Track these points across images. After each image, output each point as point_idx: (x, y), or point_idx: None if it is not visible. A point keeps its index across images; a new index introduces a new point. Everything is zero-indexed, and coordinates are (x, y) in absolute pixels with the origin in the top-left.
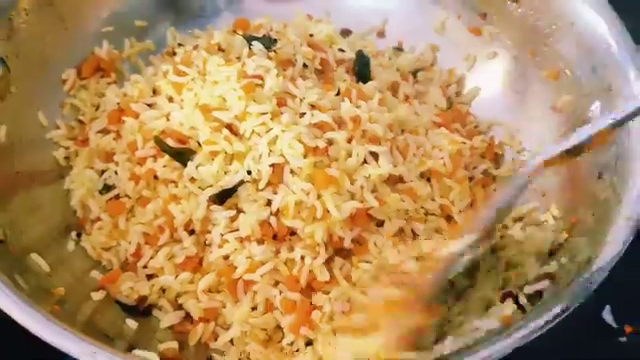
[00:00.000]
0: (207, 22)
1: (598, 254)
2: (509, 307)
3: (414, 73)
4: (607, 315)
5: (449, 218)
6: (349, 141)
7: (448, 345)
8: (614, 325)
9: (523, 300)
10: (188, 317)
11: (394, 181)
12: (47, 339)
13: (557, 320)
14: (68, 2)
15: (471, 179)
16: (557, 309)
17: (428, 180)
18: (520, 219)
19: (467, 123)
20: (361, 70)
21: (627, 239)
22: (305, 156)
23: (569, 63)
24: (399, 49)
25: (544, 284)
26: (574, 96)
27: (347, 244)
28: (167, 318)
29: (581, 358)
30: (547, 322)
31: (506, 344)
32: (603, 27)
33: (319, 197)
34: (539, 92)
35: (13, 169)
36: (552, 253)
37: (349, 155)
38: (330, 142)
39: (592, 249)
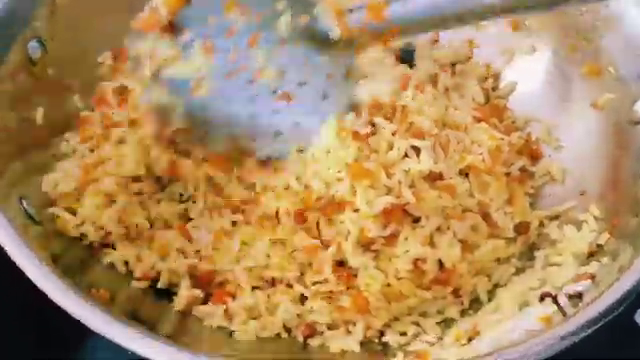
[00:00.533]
0: None
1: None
2: (549, 307)
3: (452, 65)
4: (639, 318)
5: (486, 215)
6: (393, 133)
7: (485, 346)
8: None
9: (563, 300)
10: None
11: (433, 178)
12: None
13: (601, 321)
14: None
15: (507, 175)
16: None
17: (466, 176)
18: (557, 217)
19: (504, 118)
20: (406, 57)
21: None
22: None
23: (612, 60)
24: (435, 41)
25: (585, 284)
26: (617, 94)
27: (376, 239)
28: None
29: None
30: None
31: (547, 344)
32: None
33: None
34: (579, 89)
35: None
36: (592, 254)
37: (390, 147)
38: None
39: (634, 253)
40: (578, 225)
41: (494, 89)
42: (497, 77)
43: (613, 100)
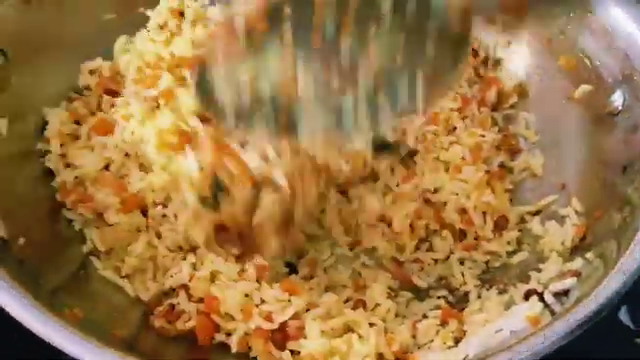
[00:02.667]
0: None
1: (627, 253)
2: (535, 306)
3: None
4: (624, 316)
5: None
6: None
7: (473, 347)
8: (631, 326)
9: (549, 298)
10: None
11: None
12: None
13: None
14: None
15: (487, 172)
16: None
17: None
18: (539, 212)
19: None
20: None
21: None
22: None
23: (588, 52)
24: None
25: (570, 282)
26: (593, 86)
27: None
28: None
29: (597, 358)
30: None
31: (540, 346)
32: (624, 15)
33: None
34: (555, 82)
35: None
36: (575, 249)
37: None
38: None
39: (619, 247)
40: (560, 220)
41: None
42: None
43: (590, 92)
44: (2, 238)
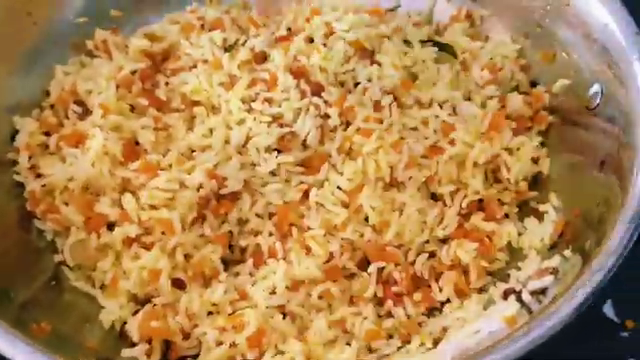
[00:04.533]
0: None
1: (602, 249)
2: (512, 306)
3: None
4: (608, 310)
5: None
6: None
7: (450, 349)
8: (616, 320)
9: (527, 297)
10: None
11: None
12: None
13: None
14: None
15: None
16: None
17: None
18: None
19: None
20: None
21: (635, 231)
22: None
23: (565, 45)
24: None
25: (548, 280)
26: (572, 80)
27: None
28: None
29: (583, 353)
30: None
31: (516, 348)
32: (601, 7)
33: None
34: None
35: None
36: (554, 246)
37: None
38: None
39: (597, 243)
40: (539, 216)
41: None
42: None
43: (568, 86)
44: None
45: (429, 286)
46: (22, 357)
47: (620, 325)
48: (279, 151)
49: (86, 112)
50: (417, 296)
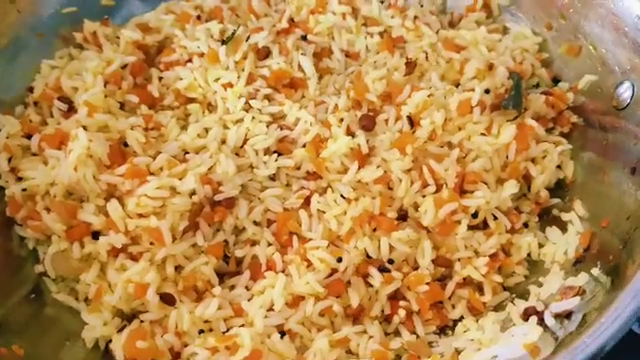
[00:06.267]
0: None
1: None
2: (534, 330)
3: None
4: (636, 326)
5: None
6: None
7: None
8: None
9: (550, 321)
10: None
11: None
12: None
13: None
14: None
15: None
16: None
17: None
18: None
19: None
20: None
21: None
22: None
23: (592, 38)
24: None
25: (574, 302)
26: (599, 76)
27: None
28: None
29: None
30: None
31: None
32: None
33: None
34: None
35: None
36: (579, 260)
37: None
38: None
39: (630, 262)
40: (562, 226)
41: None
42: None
43: (595, 83)
44: None
45: (441, 302)
46: None
47: None
48: (279, 153)
49: (71, 110)
50: (428, 314)
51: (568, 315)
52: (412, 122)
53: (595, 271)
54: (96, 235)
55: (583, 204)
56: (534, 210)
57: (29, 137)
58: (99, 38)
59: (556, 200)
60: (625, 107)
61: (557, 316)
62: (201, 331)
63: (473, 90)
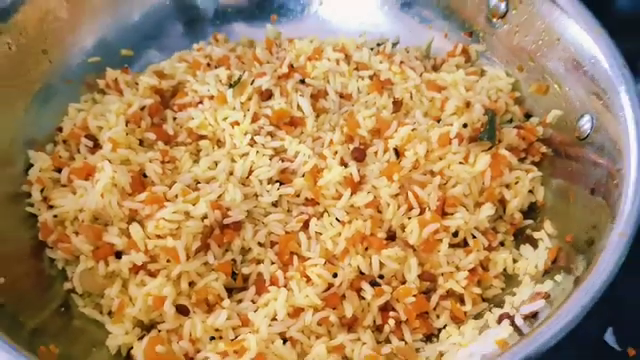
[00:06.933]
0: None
1: (593, 270)
2: (505, 329)
3: None
4: (609, 337)
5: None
6: None
7: None
8: (617, 348)
9: (519, 321)
10: None
11: None
12: None
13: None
14: (51, 34)
15: None
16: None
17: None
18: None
19: None
20: None
21: (622, 254)
22: None
23: (557, 78)
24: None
25: (540, 304)
26: (564, 111)
27: None
28: None
29: None
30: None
31: None
32: (590, 41)
33: None
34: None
35: None
36: (547, 271)
37: None
38: None
39: (587, 265)
40: (534, 244)
41: None
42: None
43: (561, 117)
44: None
45: (426, 312)
46: None
47: (621, 353)
48: (281, 183)
49: (97, 146)
50: (415, 323)
51: (534, 315)
52: (398, 153)
53: (559, 278)
54: (119, 255)
55: (552, 223)
56: (509, 230)
57: (59, 171)
58: (120, 84)
59: (529, 221)
60: (586, 137)
61: (526, 317)
62: (212, 338)
63: (452, 125)
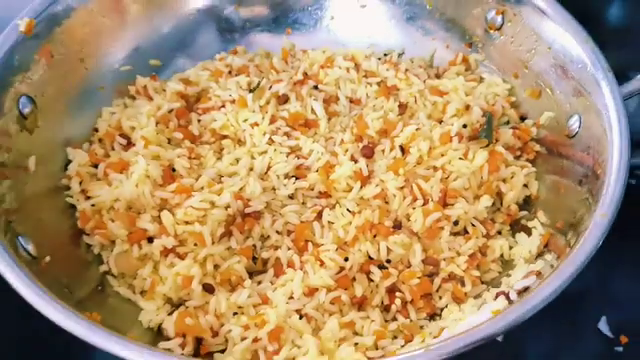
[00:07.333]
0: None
1: (577, 246)
2: (501, 303)
3: None
4: (603, 326)
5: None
6: None
7: (443, 336)
8: (610, 335)
9: (513, 296)
10: None
11: None
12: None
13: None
14: (87, 45)
15: None
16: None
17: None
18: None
19: None
20: None
21: (604, 232)
22: None
23: (549, 83)
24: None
25: (531, 280)
26: (555, 112)
27: None
28: None
29: None
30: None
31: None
32: (577, 48)
33: None
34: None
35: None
36: (540, 255)
37: None
38: None
39: (573, 244)
40: (528, 232)
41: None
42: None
43: (552, 118)
44: (32, 255)
45: (430, 294)
46: (86, 330)
47: (615, 340)
48: (296, 177)
49: (129, 144)
50: (420, 303)
51: (526, 289)
52: (403, 150)
53: (548, 257)
54: (151, 239)
55: (545, 213)
56: (506, 221)
57: (95, 166)
58: (149, 90)
59: (524, 212)
60: (574, 135)
61: (519, 292)
62: (234, 314)
63: (453, 125)
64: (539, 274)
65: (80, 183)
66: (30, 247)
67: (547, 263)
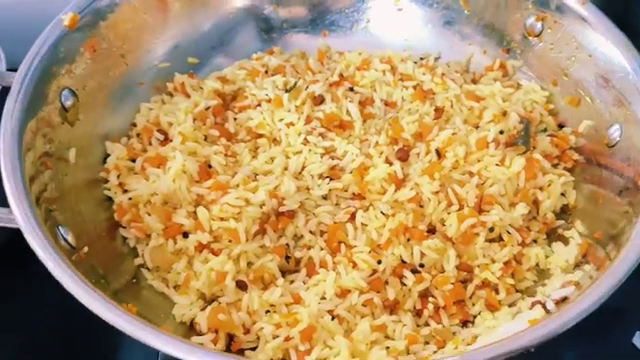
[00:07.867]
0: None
1: (619, 257)
2: (538, 312)
3: None
4: (637, 340)
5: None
6: None
7: (478, 344)
8: None
9: (551, 306)
10: None
11: None
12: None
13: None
14: (129, 41)
15: None
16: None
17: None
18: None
19: None
20: None
21: None
22: None
23: (588, 91)
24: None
25: (569, 290)
26: (595, 121)
27: None
28: None
29: None
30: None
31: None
32: (620, 57)
33: None
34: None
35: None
36: (577, 266)
37: None
38: None
39: (614, 256)
40: (565, 241)
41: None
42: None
43: (591, 126)
44: (72, 245)
45: (463, 300)
46: (123, 321)
47: None
48: (330, 178)
49: (167, 140)
50: (452, 309)
51: (564, 300)
52: (439, 154)
53: (587, 267)
54: (186, 234)
55: (582, 223)
56: (542, 229)
57: (133, 161)
58: (186, 87)
59: (561, 221)
60: (614, 145)
61: (557, 302)
62: (267, 311)
63: (489, 131)
64: (577, 284)
65: (118, 176)
66: (70, 237)
67: (586, 274)
